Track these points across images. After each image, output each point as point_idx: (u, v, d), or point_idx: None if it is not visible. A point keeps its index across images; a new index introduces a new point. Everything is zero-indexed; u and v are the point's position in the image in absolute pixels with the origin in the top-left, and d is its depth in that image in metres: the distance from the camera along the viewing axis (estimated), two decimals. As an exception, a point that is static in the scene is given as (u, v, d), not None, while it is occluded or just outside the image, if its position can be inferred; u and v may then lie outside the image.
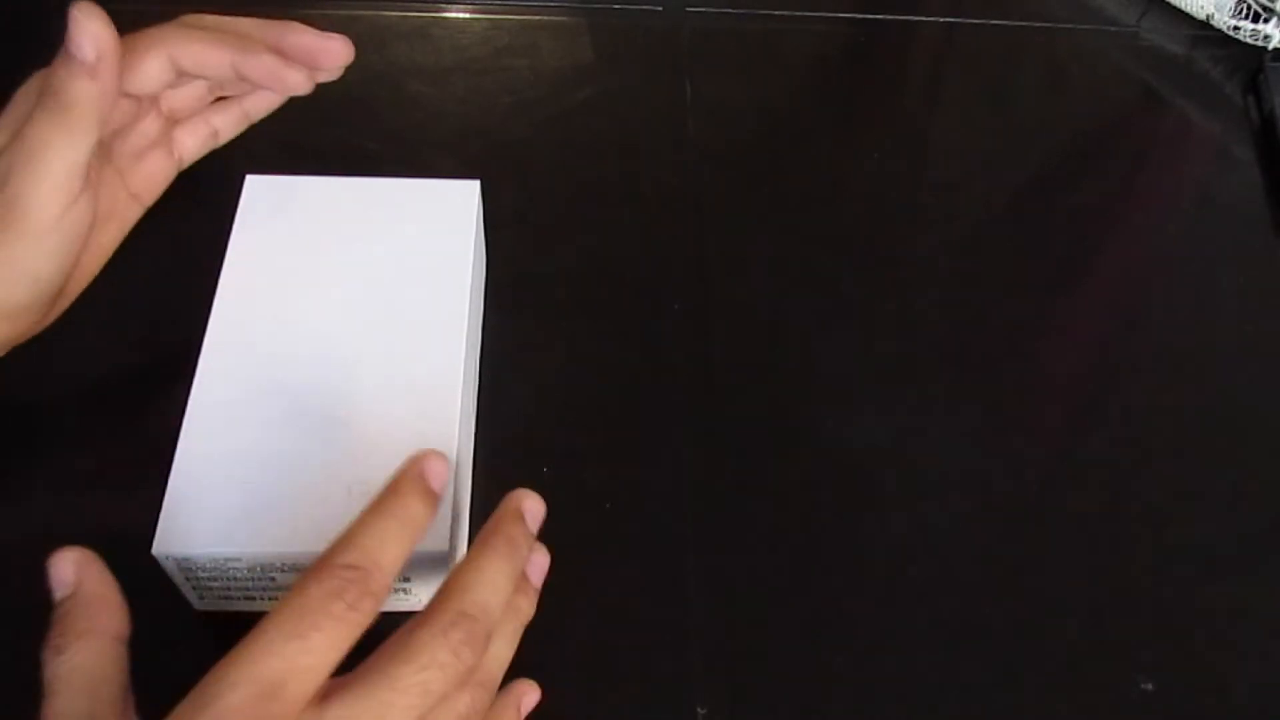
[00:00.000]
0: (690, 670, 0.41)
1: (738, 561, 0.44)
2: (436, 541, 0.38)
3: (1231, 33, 0.64)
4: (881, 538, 0.45)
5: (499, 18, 0.62)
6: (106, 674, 0.31)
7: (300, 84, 0.41)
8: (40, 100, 0.36)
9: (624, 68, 0.60)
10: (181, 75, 0.39)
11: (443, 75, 0.59)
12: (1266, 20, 0.62)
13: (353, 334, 0.42)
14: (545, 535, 0.44)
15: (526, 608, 0.36)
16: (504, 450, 0.46)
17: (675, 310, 0.51)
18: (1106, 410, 0.50)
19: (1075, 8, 0.66)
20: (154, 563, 0.37)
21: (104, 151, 0.41)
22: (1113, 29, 0.65)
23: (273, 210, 0.45)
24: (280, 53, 0.40)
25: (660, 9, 0.63)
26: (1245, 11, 0.63)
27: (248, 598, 0.40)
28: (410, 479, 0.33)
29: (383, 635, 0.41)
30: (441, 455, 0.34)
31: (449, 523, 0.38)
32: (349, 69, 0.58)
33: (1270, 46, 0.63)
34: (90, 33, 0.35)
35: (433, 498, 0.33)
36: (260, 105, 0.45)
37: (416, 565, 0.39)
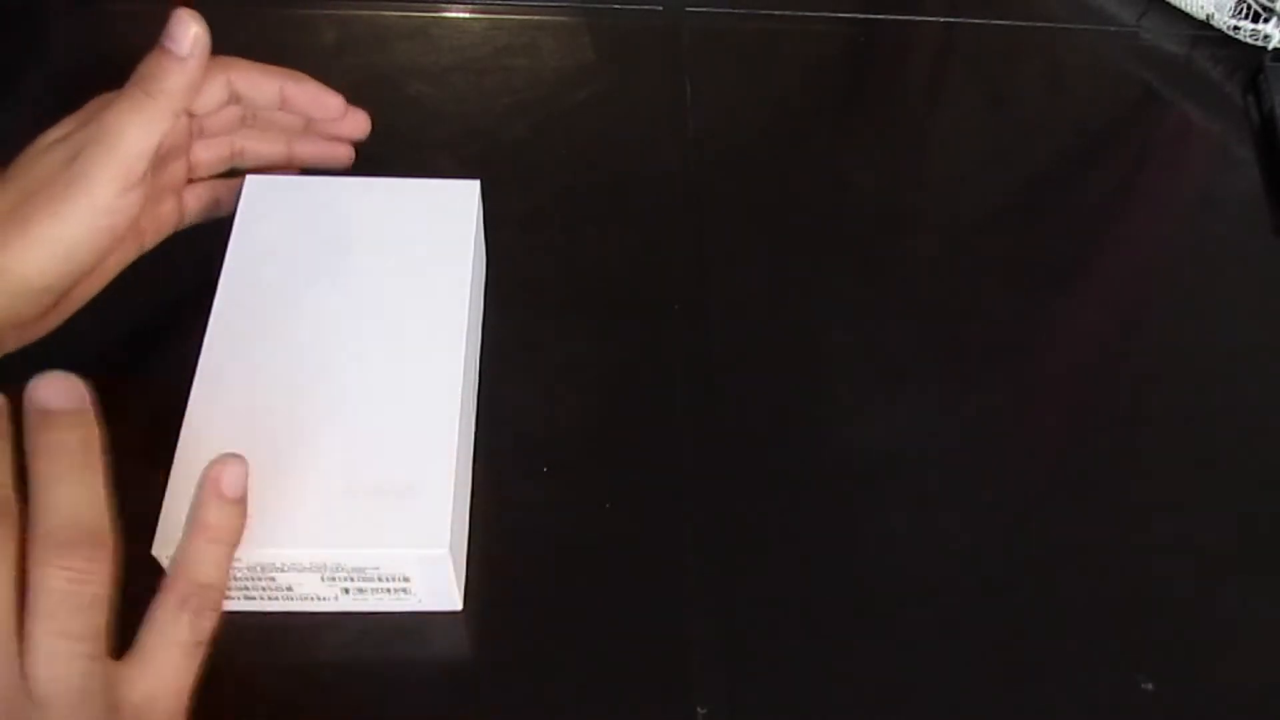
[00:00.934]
0: (690, 670, 0.41)
1: (737, 561, 0.44)
2: (437, 542, 0.38)
3: (1231, 33, 0.63)
4: (881, 537, 0.45)
5: (499, 18, 0.62)
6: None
7: (338, 108, 0.47)
8: (124, 90, 0.39)
9: (624, 68, 0.60)
10: (233, 101, 0.44)
11: (443, 75, 0.59)
12: (1266, 20, 0.62)
13: (353, 334, 0.42)
14: (546, 535, 0.44)
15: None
16: (504, 450, 0.46)
17: (675, 310, 0.51)
18: (1106, 410, 0.50)
19: (1075, 8, 0.66)
20: (154, 562, 0.37)
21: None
22: (1113, 29, 0.65)
23: (273, 210, 0.45)
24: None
25: (660, 9, 0.63)
26: (1245, 11, 0.63)
27: (248, 598, 0.40)
28: (204, 492, 0.35)
29: (382, 635, 0.41)
30: (235, 457, 0.35)
31: (449, 522, 0.38)
32: (349, 68, 0.58)
33: (1270, 46, 0.63)
34: (191, 31, 0.40)
35: (231, 503, 0.35)
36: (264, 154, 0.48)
37: (417, 565, 0.39)
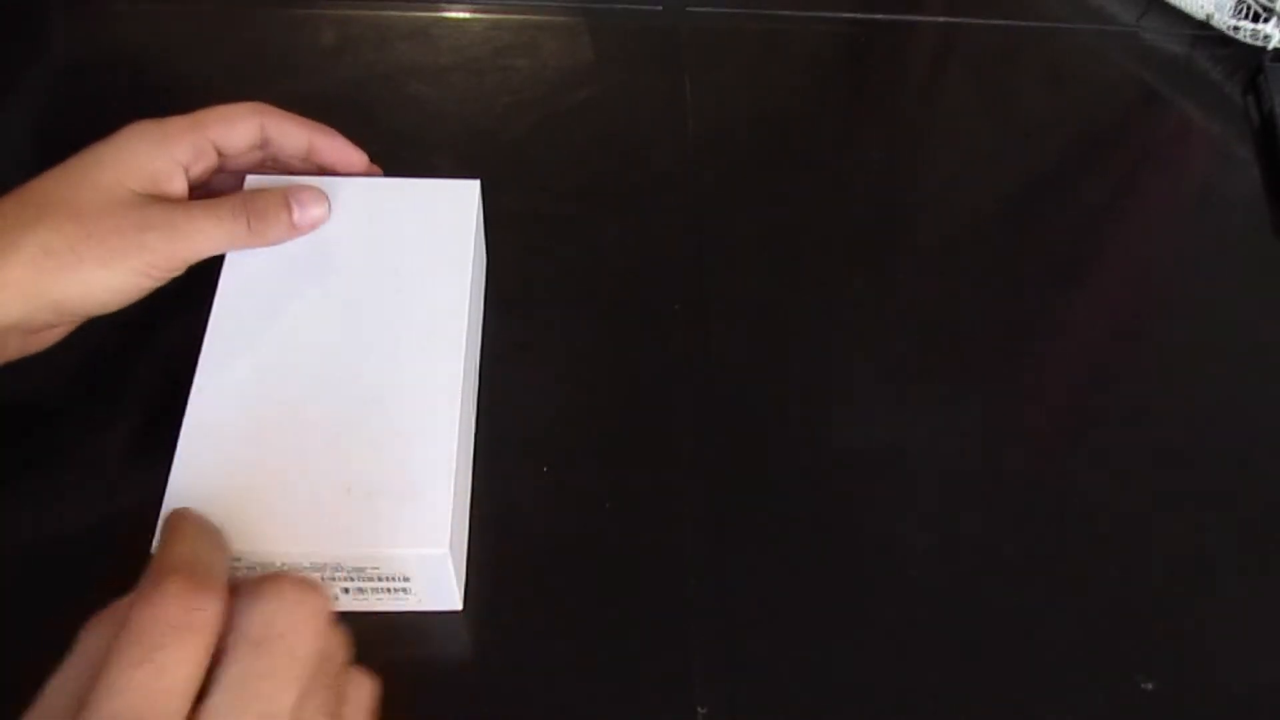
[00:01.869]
0: (690, 670, 0.41)
1: (738, 561, 0.44)
2: (437, 542, 0.38)
3: (1231, 33, 0.63)
4: (881, 537, 0.45)
5: (499, 18, 0.62)
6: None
7: (361, 165, 0.47)
8: (243, 207, 0.42)
9: (624, 68, 0.60)
10: (262, 145, 0.45)
11: (443, 75, 0.59)
12: (1266, 20, 0.62)
13: (353, 334, 0.42)
14: (546, 535, 0.44)
15: None
16: (504, 450, 0.46)
17: (675, 310, 0.51)
18: (1106, 410, 0.50)
19: (1075, 8, 0.66)
20: (154, 563, 0.37)
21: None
22: (1113, 29, 0.65)
23: (273, 210, 0.45)
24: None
25: (660, 9, 0.63)
26: (1245, 11, 0.63)
27: (248, 598, 0.40)
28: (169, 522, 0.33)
29: (381, 635, 0.41)
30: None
31: (449, 523, 0.38)
32: (349, 68, 0.58)
33: (1270, 46, 0.63)
34: (316, 213, 0.44)
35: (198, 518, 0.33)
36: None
37: (417, 565, 0.39)
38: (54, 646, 0.40)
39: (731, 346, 0.50)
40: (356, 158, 0.47)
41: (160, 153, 0.42)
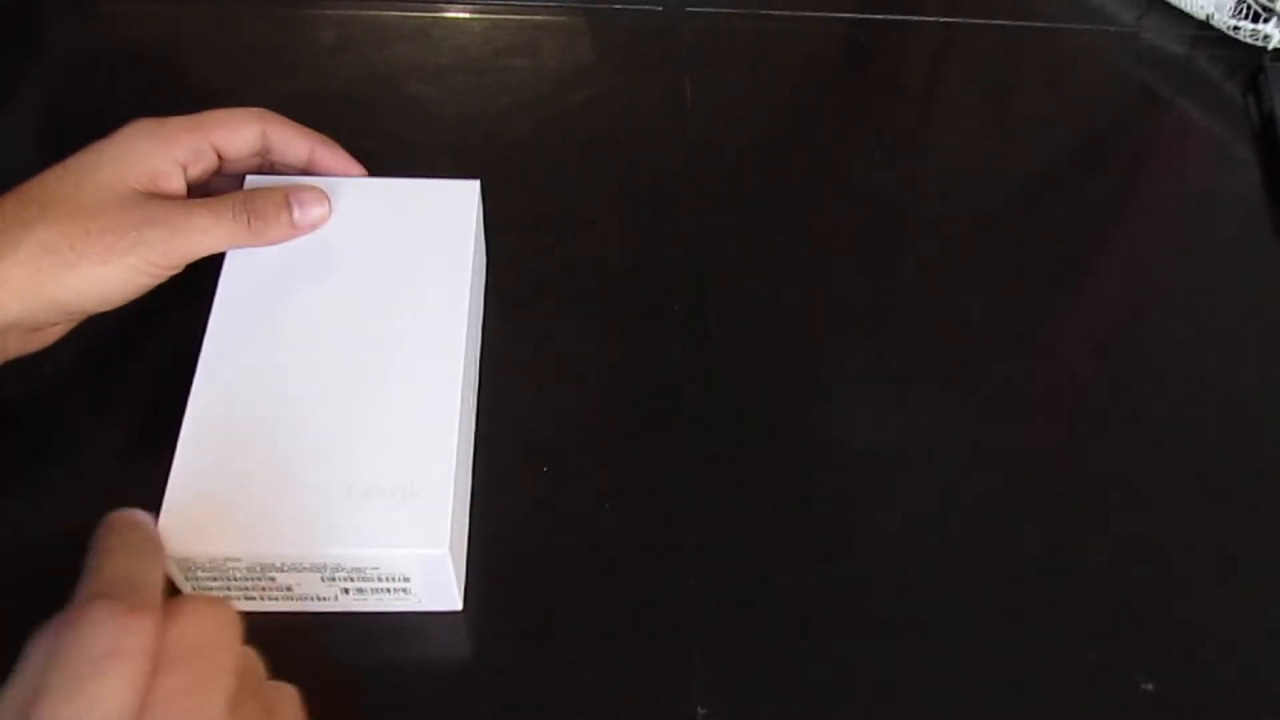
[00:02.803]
0: (690, 670, 0.41)
1: (737, 561, 0.44)
2: (437, 542, 0.38)
3: (1231, 33, 0.63)
4: (881, 538, 0.45)
5: (499, 18, 0.62)
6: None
7: (361, 174, 0.47)
8: (243, 205, 0.42)
9: (624, 68, 0.60)
10: (263, 152, 0.45)
11: (443, 75, 0.59)
12: (1266, 20, 0.62)
13: (353, 334, 0.42)
14: (546, 535, 0.44)
15: None
16: (504, 450, 0.46)
17: (675, 310, 0.51)
18: (1106, 410, 0.50)
19: (1075, 8, 0.66)
20: (154, 563, 0.37)
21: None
22: (1113, 29, 0.65)
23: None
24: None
25: (660, 9, 0.63)
26: (1245, 11, 0.63)
27: (248, 598, 0.40)
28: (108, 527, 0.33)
29: (382, 635, 0.42)
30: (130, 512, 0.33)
31: (449, 523, 0.38)
32: (349, 68, 0.58)
33: (1270, 46, 0.63)
34: (318, 213, 0.44)
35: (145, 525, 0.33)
36: None
37: (417, 565, 0.39)
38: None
39: (731, 346, 0.50)
40: (355, 171, 0.47)
41: (160, 151, 0.42)
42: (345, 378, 0.41)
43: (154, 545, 0.32)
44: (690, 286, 0.52)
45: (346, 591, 0.40)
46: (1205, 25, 0.64)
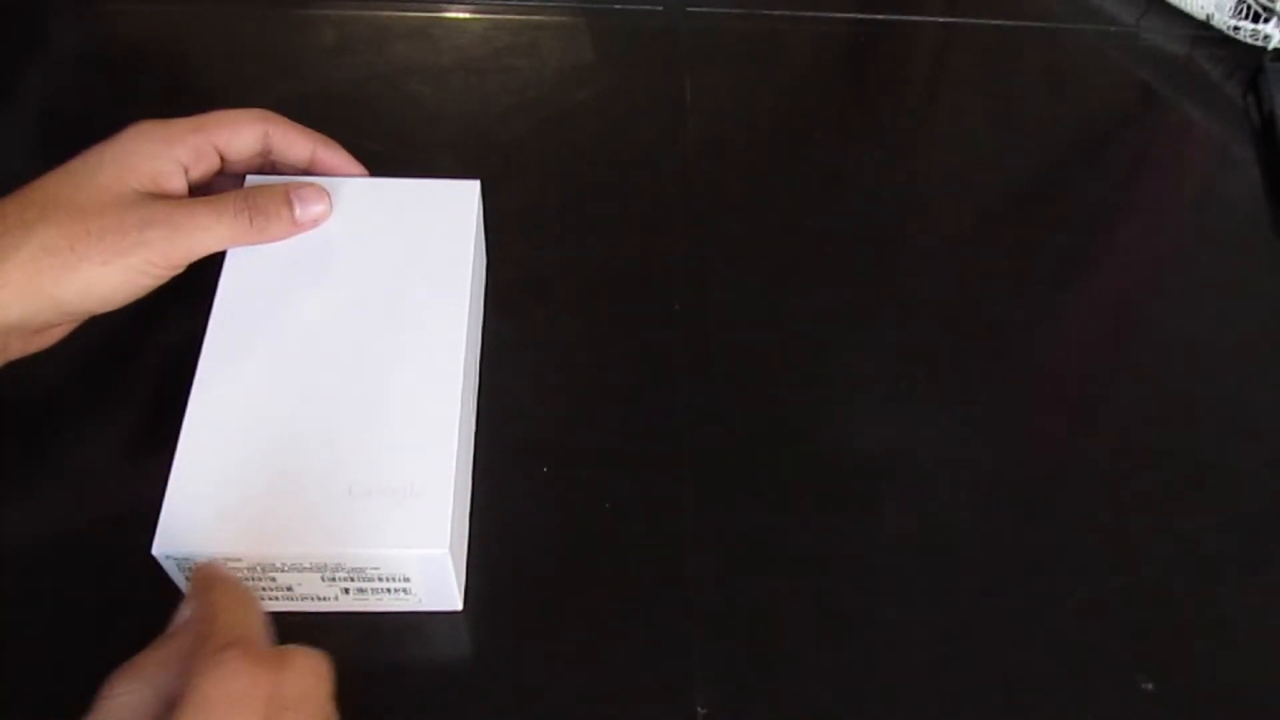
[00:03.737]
0: (690, 670, 0.41)
1: (738, 561, 0.44)
2: (437, 542, 0.38)
3: (1231, 33, 0.63)
4: (882, 537, 0.45)
5: (499, 18, 0.62)
6: None
7: (363, 174, 0.47)
8: (245, 203, 0.42)
9: (624, 68, 0.60)
10: (265, 153, 0.45)
11: (443, 75, 0.59)
12: (1266, 20, 0.62)
13: (353, 334, 0.42)
14: (546, 535, 0.44)
15: None
16: (504, 450, 0.46)
17: (675, 310, 0.51)
18: (1106, 410, 0.50)
19: (1075, 8, 0.66)
20: (154, 562, 0.37)
21: None
22: (1113, 29, 0.65)
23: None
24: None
25: (660, 9, 0.63)
26: (1245, 11, 0.63)
27: (248, 598, 0.40)
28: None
29: (382, 635, 0.42)
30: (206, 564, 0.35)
31: (449, 523, 0.38)
32: (349, 68, 0.58)
33: (1270, 46, 0.63)
34: (318, 210, 0.44)
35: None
36: None
37: (417, 565, 0.39)
38: (54, 646, 0.40)
39: (731, 346, 0.50)
40: (357, 171, 0.47)
41: (162, 152, 0.42)
42: (345, 378, 0.41)
43: (250, 593, 0.33)
44: (690, 286, 0.52)
45: (347, 591, 0.40)
46: (1205, 25, 0.64)
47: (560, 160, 0.56)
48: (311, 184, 0.44)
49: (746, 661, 0.42)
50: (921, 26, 0.65)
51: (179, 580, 0.39)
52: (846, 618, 0.43)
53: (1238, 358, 0.52)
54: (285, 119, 0.45)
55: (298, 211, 0.44)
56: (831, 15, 0.64)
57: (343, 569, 0.38)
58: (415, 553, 0.38)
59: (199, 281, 0.43)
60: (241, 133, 0.44)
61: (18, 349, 0.41)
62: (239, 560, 0.38)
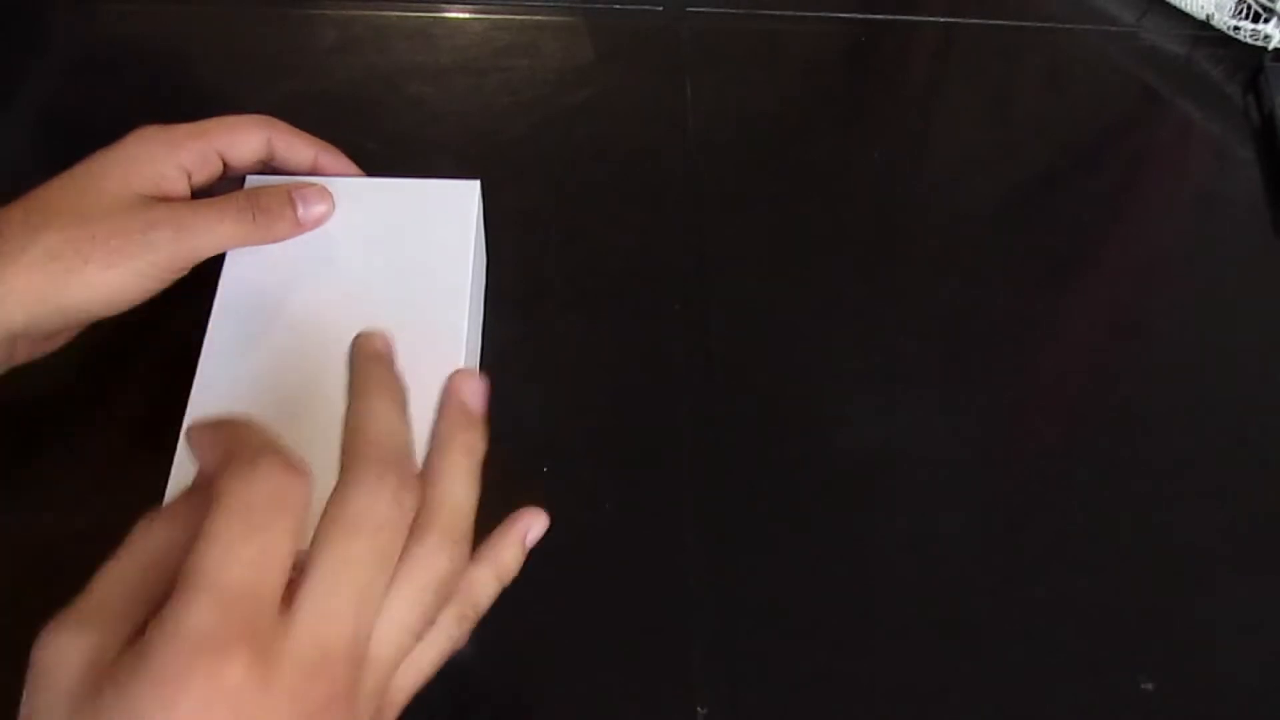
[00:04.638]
0: (690, 670, 0.41)
1: (738, 561, 0.44)
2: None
3: (1231, 33, 0.63)
4: (882, 538, 0.45)
5: (499, 18, 0.62)
6: None
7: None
8: (248, 202, 0.42)
9: (624, 68, 0.60)
10: (268, 158, 0.45)
11: (443, 75, 0.59)
12: (1266, 20, 0.62)
13: (353, 334, 0.42)
14: (546, 535, 0.44)
15: (475, 441, 0.36)
16: (504, 450, 0.46)
17: (675, 310, 0.51)
18: (1106, 410, 0.50)
19: (1075, 8, 0.66)
20: (154, 562, 0.37)
21: None
22: (1113, 29, 0.65)
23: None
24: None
25: (660, 9, 0.63)
26: (1245, 11, 0.63)
27: (248, 598, 0.40)
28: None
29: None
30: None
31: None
32: (349, 68, 0.58)
33: (1270, 46, 0.63)
34: (320, 210, 0.44)
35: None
36: None
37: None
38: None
39: (731, 346, 0.50)
40: (355, 172, 0.47)
41: (165, 157, 0.42)
42: (345, 378, 0.41)
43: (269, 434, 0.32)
44: (690, 286, 0.52)
45: (346, 591, 0.40)
46: (1205, 25, 0.64)
47: (560, 160, 0.56)
48: (314, 184, 0.44)
49: (746, 661, 0.42)
50: (921, 26, 0.65)
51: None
52: (846, 618, 0.43)
53: (1237, 357, 0.52)
54: (287, 125, 0.46)
55: (301, 211, 0.44)
56: (831, 15, 0.64)
57: (343, 569, 0.38)
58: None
59: (199, 281, 0.43)
60: (244, 138, 0.44)
61: (24, 355, 0.41)
62: (239, 560, 0.38)
